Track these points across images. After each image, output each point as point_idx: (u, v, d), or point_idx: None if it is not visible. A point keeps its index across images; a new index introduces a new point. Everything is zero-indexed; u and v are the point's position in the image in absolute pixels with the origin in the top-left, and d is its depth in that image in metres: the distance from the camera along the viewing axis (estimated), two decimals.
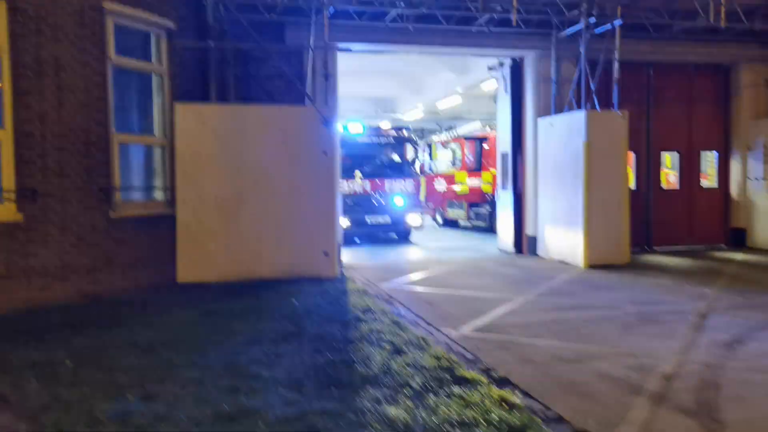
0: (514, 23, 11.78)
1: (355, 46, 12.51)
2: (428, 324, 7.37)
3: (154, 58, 9.83)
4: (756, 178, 14.44)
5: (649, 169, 14.60)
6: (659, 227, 14.54)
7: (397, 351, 5.92)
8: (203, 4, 10.40)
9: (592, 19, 12.04)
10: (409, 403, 4.57)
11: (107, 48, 8.76)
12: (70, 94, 8.34)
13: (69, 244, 8.33)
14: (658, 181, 15.01)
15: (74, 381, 5.17)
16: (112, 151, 8.83)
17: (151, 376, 5.28)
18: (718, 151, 15.22)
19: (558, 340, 6.61)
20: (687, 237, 14.78)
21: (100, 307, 8.04)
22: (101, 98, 8.68)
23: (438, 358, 5.66)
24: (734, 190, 15.00)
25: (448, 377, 5.17)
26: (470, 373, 5.28)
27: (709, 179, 15.61)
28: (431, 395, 4.75)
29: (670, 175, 16.42)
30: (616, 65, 12.17)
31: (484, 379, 5.19)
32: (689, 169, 15.06)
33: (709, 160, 15.57)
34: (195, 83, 10.45)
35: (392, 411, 4.40)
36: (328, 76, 11.48)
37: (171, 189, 9.91)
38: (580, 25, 12.15)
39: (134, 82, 9.76)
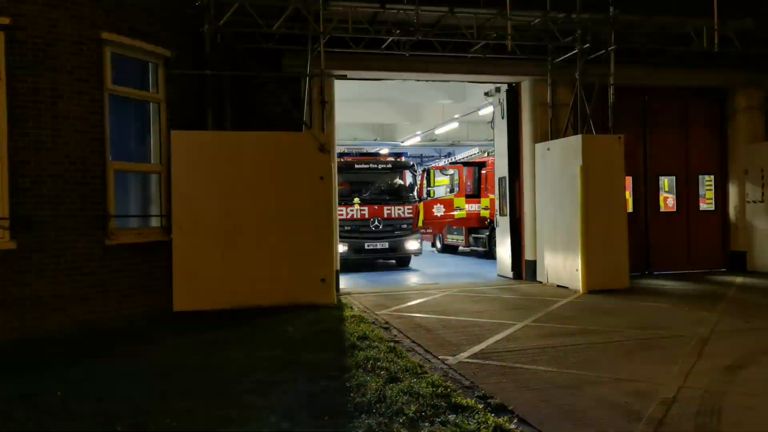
0: (509, 49, 11.89)
1: (352, 73, 12.59)
2: (425, 351, 7.28)
3: (151, 87, 9.88)
4: (754, 201, 14.43)
5: (646, 193, 14.61)
6: (658, 251, 14.50)
7: (393, 378, 5.83)
8: (200, 32, 10.49)
9: (587, 45, 12.14)
10: (404, 431, 4.48)
11: (104, 77, 8.81)
12: (67, 123, 8.36)
13: (63, 272, 8.28)
14: (657, 204, 15.00)
15: (64, 412, 5.08)
16: (108, 178, 8.82)
17: (143, 407, 5.19)
18: (715, 175, 15.25)
19: (556, 366, 6.52)
20: (686, 261, 14.72)
21: (94, 337, 7.96)
22: (98, 126, 8.70)
23: (434, 386, 5.57)
24: (733, 213, 14.98)
25: (444, 405, 5.08)
26: (467, 401, 5.19)
27: (707, 203, 15.60)
28: (426, 423, 4.66)
29: (668, 199, 16.40)
30: (611, 90, 12.25)
31: (480, 406, 5.10)
32: (687, 193, 15.07)
33: (707, 184, 15.58)
34: (192, 111, 10.50)
35: None
36: (325, 102, 11.57)
37: (167, 216, 9.88)
38: (575, 51, 12.25)
39: (131, 110, 9.80)
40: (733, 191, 14.98)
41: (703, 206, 15.47)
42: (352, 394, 5.35)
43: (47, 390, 5.62)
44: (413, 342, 7.75)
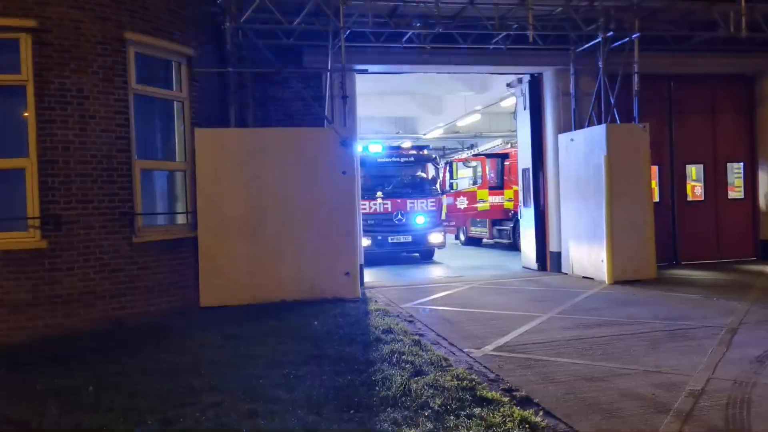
0: (530, 40, 11.77)
1: (373, 67, 12.60)
2: (450, 344, 7.29)
3: (174, 85, 9.99)
4: None
5: (673, 182, 14.39)
6: (686, 241, 14.29)
7: (418, 372, 5.85)
8: (222, 30, 10.57)
9: (610, 33, 11.98)
10: (429, 425, 4.51)
11: (129, 77, 8.92)
12: (93, 123, 8.50)
13: (93, 270, 8.44)
14: (684, 193, 14.76)
15: (96, 407, 5.19)
16: (135, 177, 8.95)
17: (172, 401, 5.28)
18: (744, 162, 14.95)
19: (582, 358, 6.48)
20: (715, 250, 14.48)
21: (124, 333, 8.10)
22: (123, 126, 8.83)
23: (459, 379, 5.59)
24: (762, 201, 14.69)
25: (469, 398, 5.09)
26: (492, 394, 5.20)
27: (736, 191, 15.31)
28: (451, 417, 4.67)
29: (696, 188, 16.14)
30: (635, 78, 12.08)
31: (505, 399, 5.10)
32: (715, 181, 14.80)
33: (736, 172, 15.28)
34: (215, 108, 10.60)
35: None
36: (346, 97, 11.56)
37: (193, 213, 10.01)
38: (598, 40, 12.10)
39: (156, 109, 9.92)
40: (763, 179, 14.68)
41: (731, 194, 15.18)
42: (377, 388, 5.38)
43: (79, 385, 5.74)
44: (438, 335, 7.77)
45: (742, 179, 15.09)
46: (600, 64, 12.21)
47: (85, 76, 8.43)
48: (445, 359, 6.36)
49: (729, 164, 15.07)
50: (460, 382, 5.49)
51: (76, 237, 8.29)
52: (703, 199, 14.90)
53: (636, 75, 12.08)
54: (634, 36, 11.86)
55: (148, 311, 8.96)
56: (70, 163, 8.27)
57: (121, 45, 8.82)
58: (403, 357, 6.37)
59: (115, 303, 8.63)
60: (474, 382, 5.52)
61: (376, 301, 10.19)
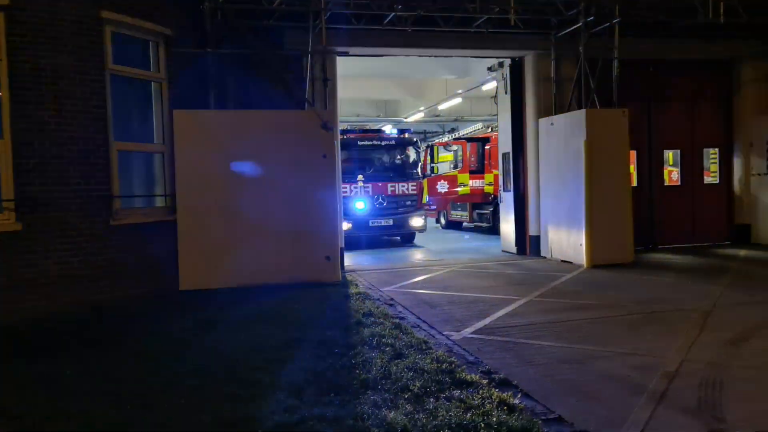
0: (512, 23, 11.76)
1: (354, 49, 12.51)
2: (430, 327, 7.35)
3: (152, 66, 9.85)
4: (759, 174, 14.36)
5: (651, 167, 14.56)
6: (663, 225, 14.50)
7: (398, 355, 5.89)
8: (202, 10, 10.42)
9: (591, 18, 12.01)
10: (408, 407, 4.55)
11: (105, 57, 8.78)
12: (69, 103, 8.36)
13: (69, 253, 8.35)
14: (661, 178, 14.95)
15: (75, 391, 5.15)
16: (112, 158, 8.84)
17: (152, 385, 5.26)
18: (720, 148, 15.16)
19: (560, 341, 6.57)
20: (691, 234, 14.72)
21: (102, 316, 8.04)
22: (100, 106, 8.70)
23: (439, 361, 5.63)
24: (737, 186, 14.94)
25: (449, 380, 5.14)
26: (471, 376, 5.25)
27: (712, 176, 15.55)
28: (431, 399, 4.72)
29: (672, 173, 16.35)
30: (615, 63, 12.15)
31: (484, 381, 5.16)
32: (692, 166, 15.01)
33: (712, 157, 15.50)
34: (194, 89, 10.46)
35: (391, 416, 4.37)
36: (327, 80, 11.52)
37: (171, 196, 9.91)
38: (579, 24, 12.12)
39: (133, 90, 9.78)
40: (737, 164, 14.92)
41: (707, 179, 15.42)
42: (357, 371, 5.41)
43: (58, 371, 5.70)
44: (418, 318, 7.82)
45: (717, 164, 15.31)
46: (581, 49, 12.25)
47: (60, 55, 8.28)
48: (425, 342, 6.40)
49: (705, 150, 15.27)
50: (439, 365, 5.53)
51: (53, 219, 8.18)
52: (679, 183, 15.10)
53: (616, 60, 12.15)
54: (614, 21, 11.91)
55: (127, 295, 8.89)
56: (46, 145, 8.14)
57: (97, 24, 8.66)
58: (384, 340, 6.41)
59: (92, 286, 8.55)
60: (453, 365, 5.57)
61: (356, 285, 10.21)
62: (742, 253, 13.16)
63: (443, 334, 6.95)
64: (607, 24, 11.99)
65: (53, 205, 8.18)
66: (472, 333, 7.01)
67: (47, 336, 7.05)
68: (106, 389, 5.18)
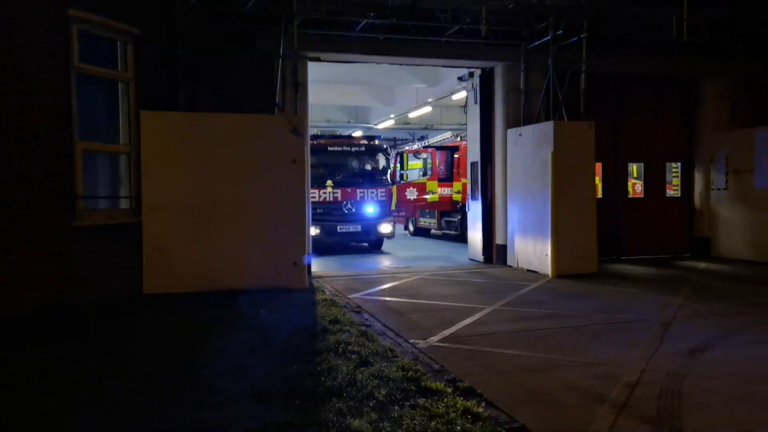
0: (483, 34, 11.90)
1: (326, 55, 12.49)
2: (396, 334, 7.35)
3: (120, 65, 9.68)
4: (718, 189, 14.77)
5: (616, 179, 14.85)
6: (627, 236, 14.79)
7: (364, 362, 5.88)
8: (172, 11, 10.30)
9: (560, 32, 12.22)
10: (373, 415, 4.54)
11: (72, 55, 8.59)
12: (33, 101, 8.17)
13: (32, 253, 8.14)
14: (626, 191, 15.26)
15: (34, 395, 5.02)
16: (76, 158, 8.65)
17: (113, 390, 5.16)
18: (682, 162, 15.55)
19: (525, 349, 6.64)
20: (653, 246, 15.04)
21: (64, 319, 7.85)
22: (65, 105, 8.51)
23: (404, 369, 5.64)
24: (698, 200, 15.33)
25: (414, 388, 5.15)
26: (436, 384, 5.27)
27: (674, 189, 15.94)
28: (396, 407, 4.72)
29: (636, 185, 16.72)
30: (583, 77, 12.37)
31: (449, 390, 5.18)
32: (655, 179, 15.36)
33: (674, 171, 15.90)
34: (163, 90, 10.33)
35: (356, 423, 4.36)
36: (298, 85, 11.48)
37: (137, 198, 9.76)
38: (548, 37, 12.32)
39: (99, 89, 9.60)
40: (698, 178, 15.32)
41: (669, 193, 15.81)
42: (323, 378, 5.39)
43: (15, 372, 5.55)
44: (384, 326, 7.82)
45: (679, 178, 15.70)
46: (550, 61, 12.44)
47: (25, 51, 8.08)
48: (391, 350, 6.40)
49: (668, 163, 15.65)
50: (405, 373, 5.54)
51: (15, 219, 7.97)
52: (643, 196, 15.44)
53: (584, 74, 12.38)
54: (582, 35, 12.13)
55: (90, 297, 8.70)
56: (9, 143, 7.93)
57: (64, 21, 8.48)
58: (350, 348, 6.39)
59: (54, 288, 8.34)
60: (419, 373, 5.58)
61: (323, 292, 10.17)
62: (702, 265, 13.49)
63: (409, 342, 6.96)
64: (576, 38, 12.21)
65: (15, 204, 7.96)
66: (439, 341, 7.04)
67: (6, 336, 6.85)
68: (64, 392, 5.06)
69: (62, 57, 8.49)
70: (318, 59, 12.40)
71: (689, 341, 6.86)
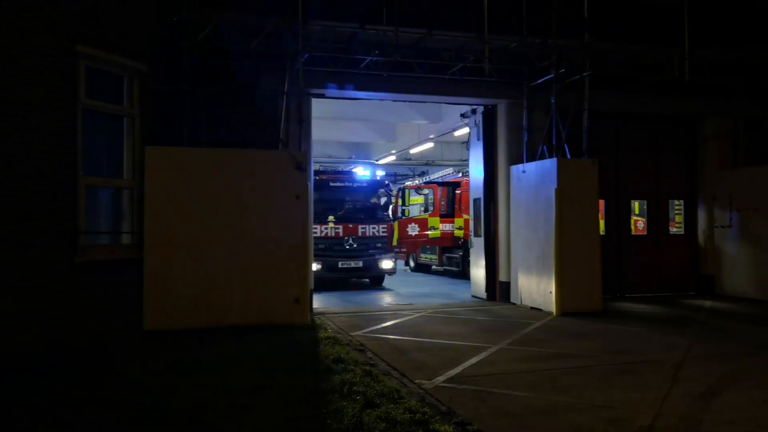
0: (486, 72, 11.99)
1: (330, 92, 12.57)
2: (401, 374, 7.21)
3: (126, 101, 9.73)
4: (722, 226, 14.72)
5: (619, 216, 14.80)
6: (630, 274, 14.67)
7: (370, 404, 5.74)
8: (178, 48, 10.39)
9: (562, 71, 12.31)
10: None
11: (78, 91, 8.62)
12: (38, 136, 8.14)
13: (30, 290, 8.02)
14: (628, 228, 15.20)
15: None
16: (79, 194, 8.60)
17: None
18: (684, 200, 15.53)
19: (533, 391, 6.49)
20: (657, 284, 14.92)
21: (62, 358, 7.71)
22: (70, 141, 8.50)
23: (412, 412, 5.50)
24: (701, 237, 15.26)
25: None
26: (445, 428, 5.13)
27: (677, 227, 15.88)
28: None
29: (638, 222, 16.67)
30: (585, 115, 12.42)
31: None
32: (657, 217, 15.31)
33: (677, 208, 15.86)
34: (167, 126, 10.35)
35: None
36: (302, 121, 11.53)
37: (138, 233, 9.69)
38: (551, 76, 12.41)
39: (105, 124, 9.61)
40: (701, 216, 15.27)
41: (672, 230, 15.74)
42: (328, 421, 5.25)
43: (10, 417, 5.40)
44: (389, 365, 7.67)
45: (682, 216, 15.66)
46: (552, 99, 12.51)
47: (32, 87, 8.09)
48: (397, 391, 6.26)
49: (670, 201, 15.62)
50: (412, 415, 5.40)
51: (14, 255, 7.86)
52: (646, 233, 15.37)
53: (586, 112, 12.44)
54: (584, 74, 12.23)
55: (89, 335, 8.56)
56: (12, 178, 7.88)
57: (71, 58, 8.53)
58: (354, 388, 6.25)
59: (53, 325, 8.19)
60: (426, 415, 5.44)
61: (325, 329, 10.03)
62: (708, 304, 13.35)
63: (415, 383, 6.82)
64: (578, 76, 12.30)
65: (15, 240, 7.87)
66: (444, 381, 6.89)
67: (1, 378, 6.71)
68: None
69: (69, 93, 8.51)
70: (322, 96, 12.49)
71: (701, 384, 6.72)
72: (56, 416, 5.42)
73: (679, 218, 15.89)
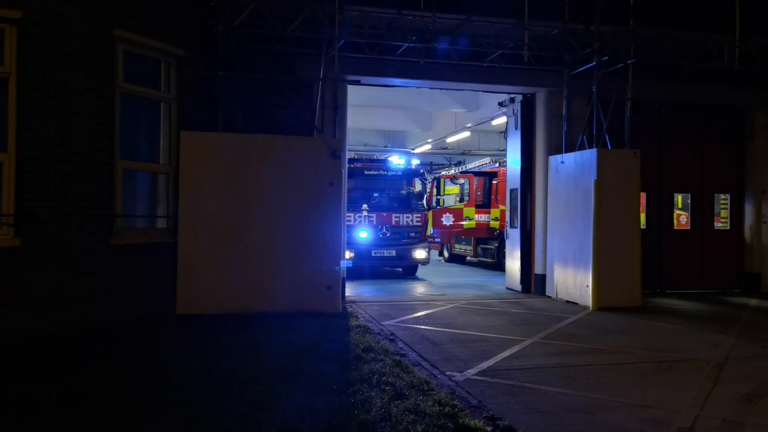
0: (525, 60, 11.71)
1: (366, 78, 12.45)
2: (432, 366, 7.09)
3: (163, 86, 9.77)
4: None
5: (661, 210, 14.37)
6: (671, 269, 14.25)
7: (399, 395, 5.64)
8: (214, 33, 10.39)
9: (605, 58, 11.94)
10: None
11: (116, 75, 8.69)
12: (76, 120, 8.24)
13: (67, 271, 8.14)
14: (671, 222, 14.76)
15: (58, 419, 4.91)
16: (116, 177, 8.69)
17: (141, 416, 5.03)
18: (731, 194, 14.98)
19: (567, 387, 6.31)
20: (699, 280, 14.46)
21: (95, 338, 7.82)
22: (108, 124, 8.58)
23: (441, 404, 5.38)
24: (748, 233, 14.71)
25: (451, 425, 4.89)
26: (474, 422, 5.00)
27: (722, 222, 15.34)
28: None
29: (681, 216, 16.16)
30: (628, 104, 12.05)
31: (488, 428, 4.91)
32: (701, 211, 14.81)
33: (723, 202, 15.31)
34: (203, 111, 10.38)
35: None
36: (337, 108, 11.43)
37: (173, 217, 9.75)
38: (593, 64, 12.05)
39: (142, 109, 9.67)
40: (748, 211, 14.72)
41: (717, 225, 15.21)
42: (356, 411, 5.17)
43: (42, 394, 5.47)
44: (419, 356, 7.57)
45: (728, 210, 15.11)
46: (594, 88, 12.16)
47: (70, 71, 8.19)
48: (427, 382, 6.15)
49: (716, 195, 15.09)
50: (441, 408, 5.28)
51: (51, 236, 8.00)
52: (689, 228, 14.89)
53: (629, 101, 12.06)
54: (628, 62, 11.84)
55: (122, 317, 8.67)
56: (50, 160, 8.00)
57: (110, 42, 8.59)
58: (384, 378, 6.16)
59: (88, 306, 8.33)
60: (456, 409, 5.32)
61: (357, 317, 9.97)
62: (753, 302, 12.88)
63: (445, 375, 6.70)
64: (621, 64, 11.92)
65: (53, 222, 8.00)
66: (476, 374, 6.76)
67: (35, 356, 6.81)
68: (90, 417, 4.94)
69: (107, 77, 8.58)
70: (358, 82, 12.38)
71: (745, 385, 6.44)
72: (84, 390, 5.47)
73: (724, 213, 15.33)
